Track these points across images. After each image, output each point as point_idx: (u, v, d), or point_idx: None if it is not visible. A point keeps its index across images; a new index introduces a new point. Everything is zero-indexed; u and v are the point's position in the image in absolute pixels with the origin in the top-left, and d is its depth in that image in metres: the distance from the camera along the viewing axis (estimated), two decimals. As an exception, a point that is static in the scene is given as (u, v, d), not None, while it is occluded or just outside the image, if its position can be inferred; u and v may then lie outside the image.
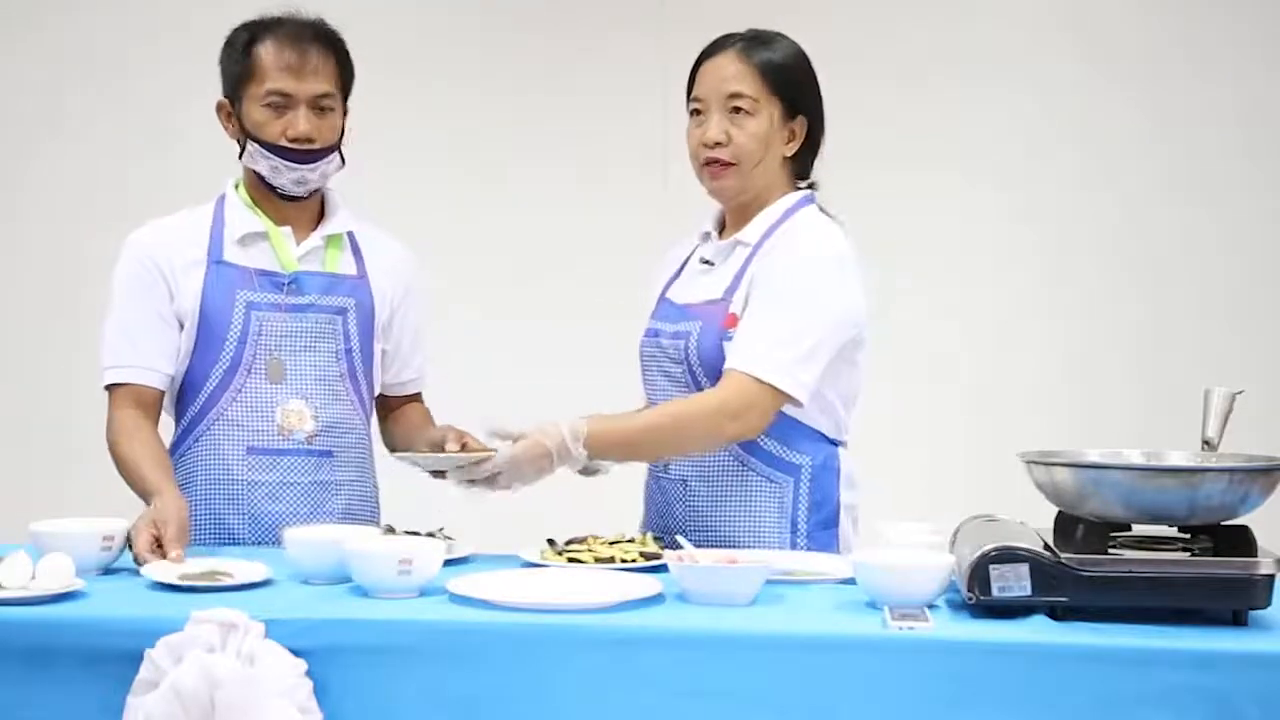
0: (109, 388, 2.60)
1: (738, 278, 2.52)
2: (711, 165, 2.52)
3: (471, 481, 2.34)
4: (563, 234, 4.56)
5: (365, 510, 2.68)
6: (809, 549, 2.50)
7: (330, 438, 2.62)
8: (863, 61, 4.51)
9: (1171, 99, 4.59)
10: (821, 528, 2.55)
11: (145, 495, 2.46)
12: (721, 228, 2.64)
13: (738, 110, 2.50)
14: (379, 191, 4.24)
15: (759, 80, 2.50)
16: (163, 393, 2.61)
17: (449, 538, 2.42)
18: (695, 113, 2.55)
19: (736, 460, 2.53)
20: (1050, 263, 4.64)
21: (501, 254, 4.56)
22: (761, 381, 2.40)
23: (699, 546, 2.27)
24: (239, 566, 2.18)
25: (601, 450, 2.36)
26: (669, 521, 2.56)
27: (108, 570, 2.23)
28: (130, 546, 2.30)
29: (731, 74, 2.51)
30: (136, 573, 2.17)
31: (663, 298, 2.65)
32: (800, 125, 2.55)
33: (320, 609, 1.98)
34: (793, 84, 2.53)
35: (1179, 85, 4.59)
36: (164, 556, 2.22)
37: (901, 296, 4.41)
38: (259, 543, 2.56)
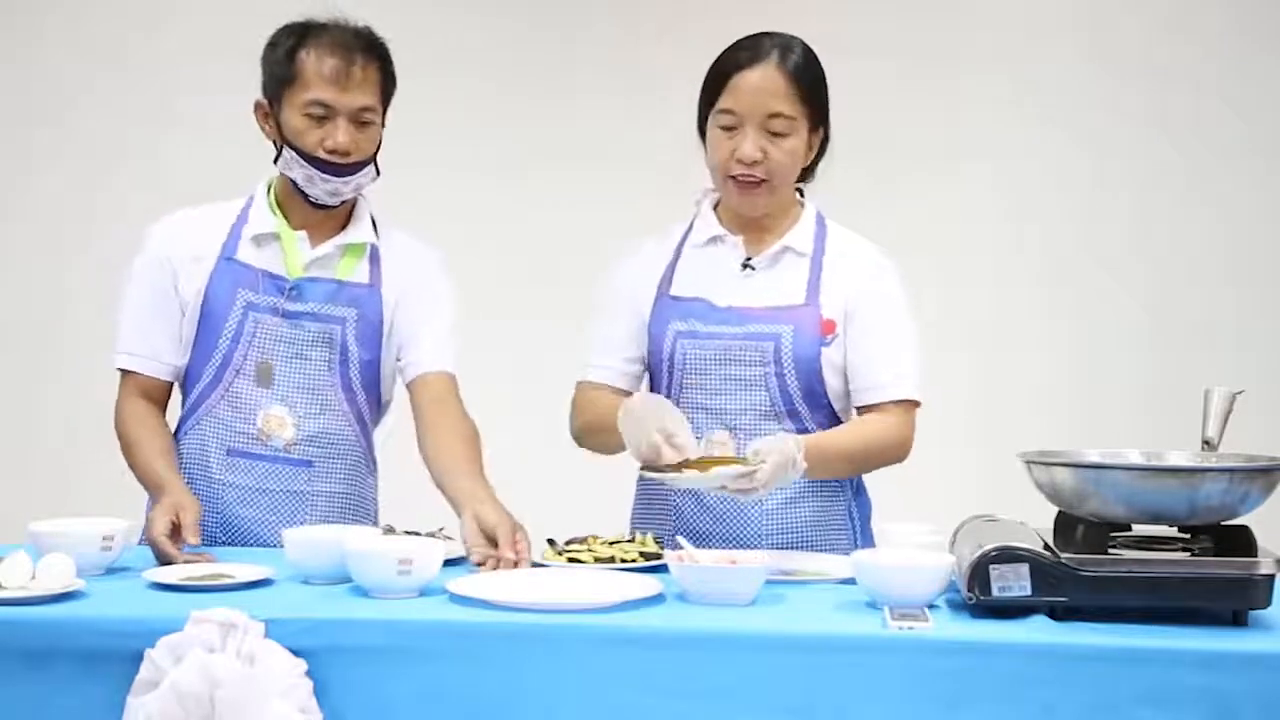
0: (120, 371, 2.61)
1: (814, 286, 2.54)
2: (741, 181, 2.50)
3: (723, 488, 2.28)
4: (576, 233, 4.54)
5: (355, 518, 2.62)
6: (863, 546, 2.55)
7: (312, 448, 2.60)
8: (864, 58, 4.50)
9: (1173, 98, 4.59)
10: (865, 522, 2.64)
11: (152, 483, 2.49)
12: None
13: (775, 129, 2.47)
14: (388, 192, 4.23)
15: (798, 98, 2.47)
16: (170, 384, 2.63)
17: (449, 538, 2.42)
18: (727, 127, 2.48)
19: None
20: (1051, 263, 4.64)
21: (515, 254, 4.55)
22: (914, 401, 2.57)
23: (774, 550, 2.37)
24: (239, 566, 2.19)
25: (814, 461, 2.33)
26: (741, 530, 2.53)
27: (108, 570, 2.23)
28: (146, 533, 2.33)
29: (774, 91, 2.46)
30: (137, 573, 2.18)
31: (673, 297, 2.58)
32: (818, 137, 2.55)
33: (320, 609, 1.98)
34: (822, 98, 2.53)
35: (1181, 84, 4.59)
36: (179, 543, 2.29)
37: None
38: (230, 545, 2.54)
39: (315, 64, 2.51)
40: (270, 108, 2.57)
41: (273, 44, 2.56)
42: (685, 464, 2.30)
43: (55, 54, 4.55)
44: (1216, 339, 4.52)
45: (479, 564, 2.25)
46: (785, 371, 2.51)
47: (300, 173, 2.54)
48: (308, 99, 2.50)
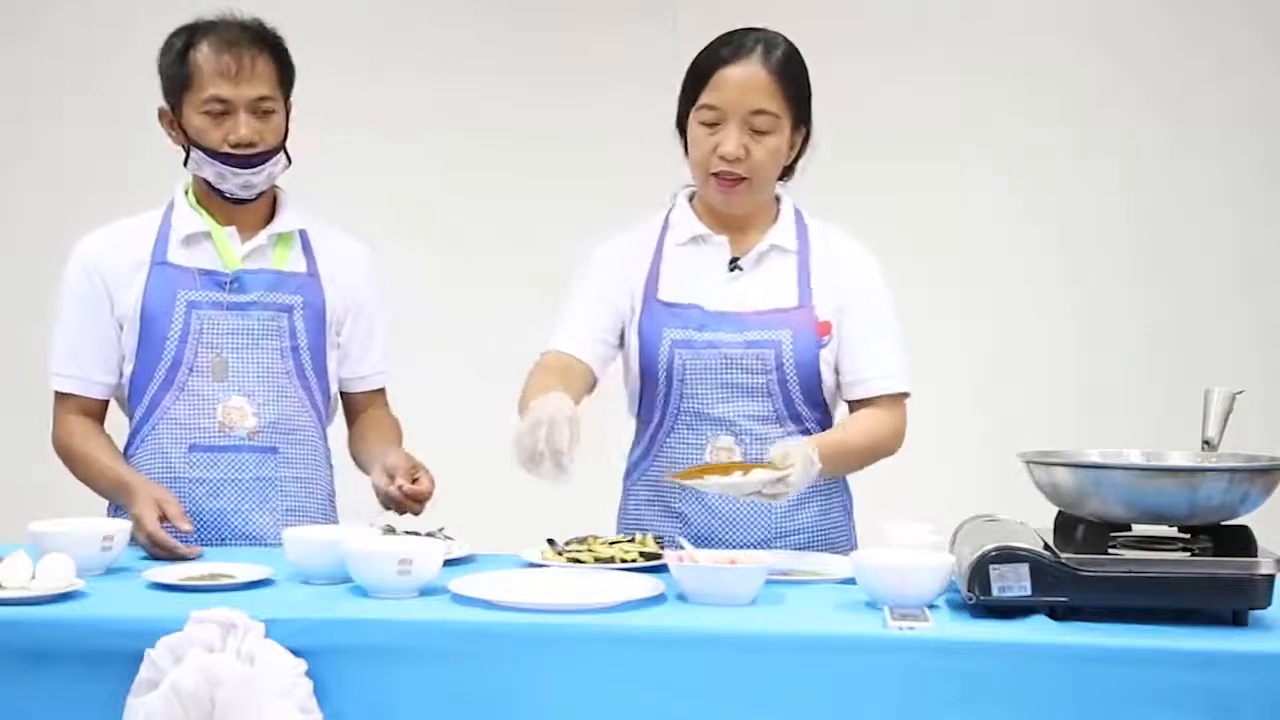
0: (56, 392, 2.66)
1: (805, 285, 2.54)
2: (723, 178, 2.47)
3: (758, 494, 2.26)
4: (572, 224, 4.53)
5: (316, 509, 2.65)
6: (852, 540, 2.61)
7: (275, 434, 2.61)
8: (866, 57, 4.51)
9: (1176, 97, 4.58)
10: (852, 515, 2.67)
11: (116, 486, 2.52)
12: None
13: (758, 126, 2.45)
14: (379, 183, 4.23)
15: (781, 95, 2.45)
16: (106, 401, 2.66)
17: (449, 538, 2.42)
18: (710, 123, 2.46)
19: None
20: (1051, 262, 4.64)
21: (507, 247, 4.55)
22: (907, 395, 2.57)
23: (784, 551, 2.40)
24: (240, 566, 2.19)
25: (828, 463, 2.30)
26: (746, 535, 2.52)
27: (108, 570, 2.23)
28: (136, 535, 2.35)
29: (757, 87, 2.43)
30: (137, 573, 2.18)
31: (663, 302, 2.54)
32: (800, 135, 2.53)
33: (320, 609, 1.98)
34: (805, 96, 2.51)
35: (1184, 83, 4.58)
36: (175, 531, 2.35)
37: (902, 295, 4.39)
38: (203, 542, 2.52)
39: (207, 62, 2.54)
40: (173, 113, 2.60)
41: (165, 49, 2.60)
42: (702, 470, 2.32)
43: (54, 51, 4.55)
44: (1216, 339, 4.52)
45: (385, 506, 2.47)
46: (788, 377, 2.50)
47: (211, 170, 2.57)
48: (205, 97, 2.54)
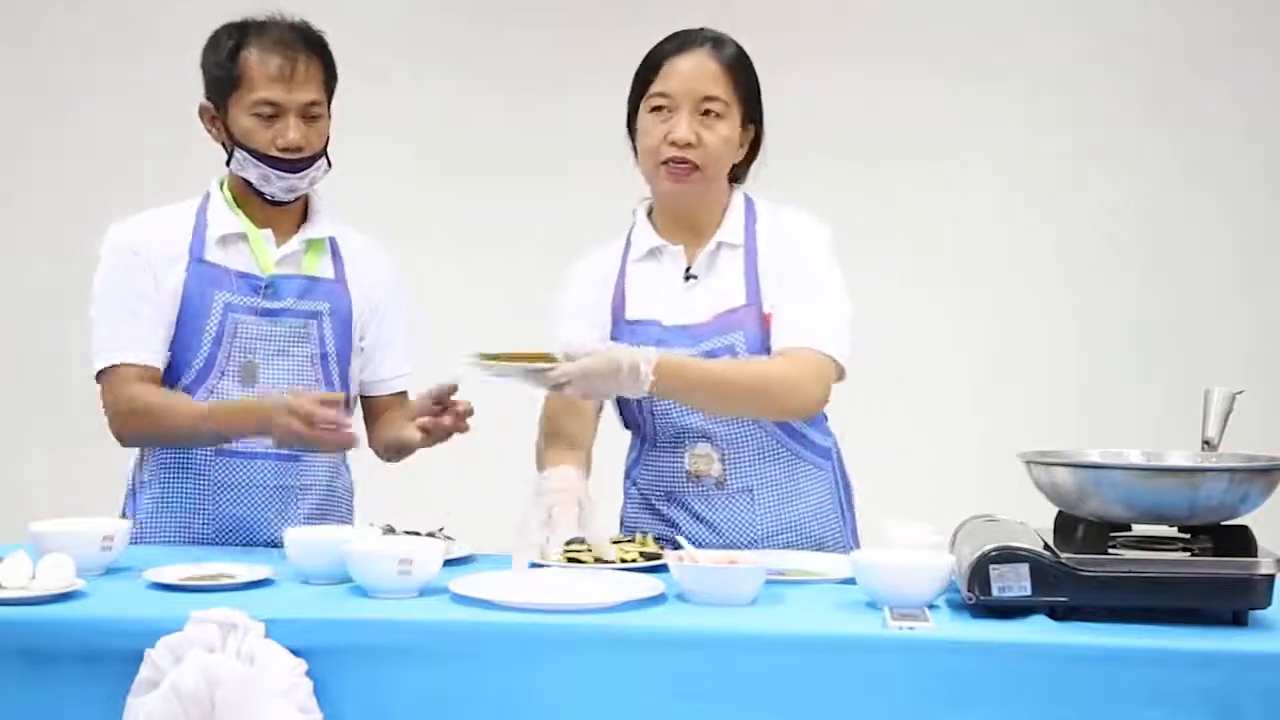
0: (105, 373, 2.56)
1: (752, 280, 2.51)
2: (674, 165, 2.46)
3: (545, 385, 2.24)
4: (572, 224, 4.53)
5: (336, 511, 2.66)
6: (852, 530, 2.61)
7: None
8: (866, 58, 4.51)
9: (1175, 97, 4.59)
10: (849, 505, 2.64)
11: (225, 414, 2.48)
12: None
13: (708, 113, 2.45)
14: (371, 191, 4.23)
15: (731, 84, 2.47)
16: (160, 372, 2.57)
17: (449, 538, 2.42)
18: (658, 109, 2.46)
19: (790, 452, 2.53)
20: (1051, 262, 4.64)
21: (492, 250, 4.55)
22: (825, 354, 2.43)
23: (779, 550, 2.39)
24: (240, 566, 2.19)
25: (667, 381, 2.26)
26: (733, 539, 2.51)
27: (108, 570, 2.23)
28: (291, 425, 2.35)
29: (708, 74, 2.45)
30: (137, 573, 2.18)
31: (629, 321, 2.55)
32: (749, 134, 2.54)
33: (320, 609, 1.98)
34: (754, 92, 2.52)
35: (1184, 84, 4.58)
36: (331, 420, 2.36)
37: (902, 295, 4.41)
38: (223, 545, 2.54)
39: (259, 64, 2.52)
40: (216, 110, 2.58)
41: (212, 46, 2.57)
42: (512, 356, 2.27)
43: (54, 51, 4.56)
44: (1216, 339, 4.52)
45: (429, 441, 2.46)
46: None
47: (255, 172, 2.55)
48: (255, 99, 2.52)
